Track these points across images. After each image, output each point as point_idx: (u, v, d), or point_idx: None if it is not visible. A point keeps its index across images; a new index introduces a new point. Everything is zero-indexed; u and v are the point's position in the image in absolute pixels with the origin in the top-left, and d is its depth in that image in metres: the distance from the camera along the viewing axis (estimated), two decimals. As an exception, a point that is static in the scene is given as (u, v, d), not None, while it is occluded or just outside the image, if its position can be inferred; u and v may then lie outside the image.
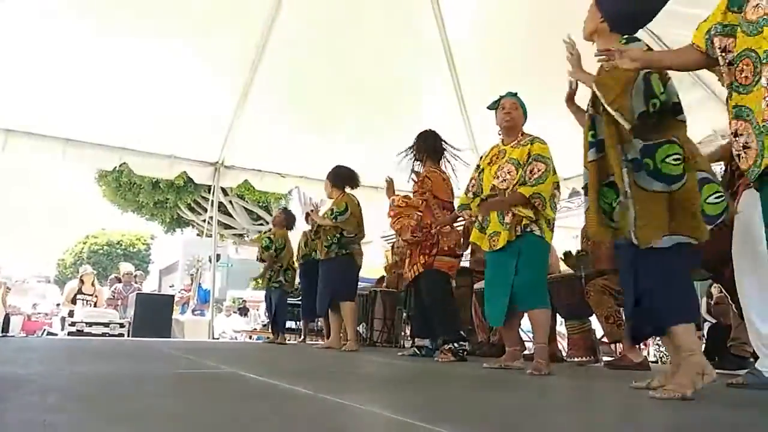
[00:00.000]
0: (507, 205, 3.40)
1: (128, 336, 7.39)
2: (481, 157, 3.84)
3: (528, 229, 3.33)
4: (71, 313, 7.96)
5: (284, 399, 1.99)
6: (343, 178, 5.66)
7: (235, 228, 18.20)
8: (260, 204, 17.49)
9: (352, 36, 6.59)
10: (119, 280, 10.07)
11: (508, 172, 3.45)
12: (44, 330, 8.24)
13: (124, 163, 7.44)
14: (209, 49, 6.48)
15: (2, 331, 7.56)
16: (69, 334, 7.21)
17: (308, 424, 1.55)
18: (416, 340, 4.98)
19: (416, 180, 4.60)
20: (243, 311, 14.87)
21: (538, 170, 3.34)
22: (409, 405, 1.95)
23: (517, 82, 3.98)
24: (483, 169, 3.64)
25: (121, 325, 7.47)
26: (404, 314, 6.90)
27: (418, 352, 4.64)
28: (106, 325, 7.37)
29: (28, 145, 6.83)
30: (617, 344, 4.47)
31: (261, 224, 18.00)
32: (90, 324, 7.26)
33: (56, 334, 7.84)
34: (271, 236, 6.73)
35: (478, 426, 1.60)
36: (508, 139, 3.58)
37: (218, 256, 11.43)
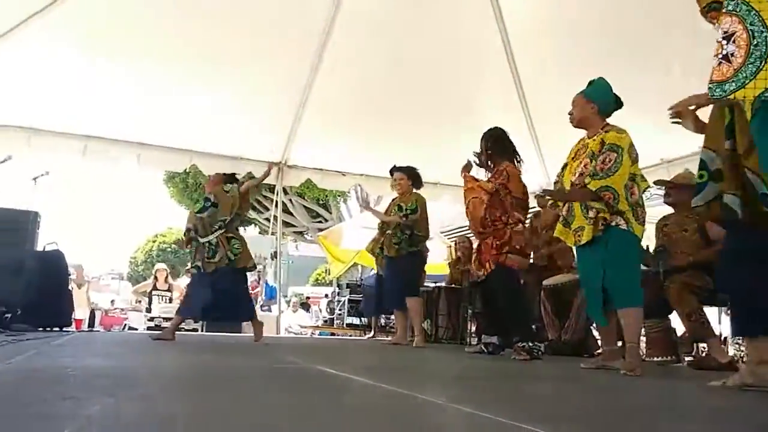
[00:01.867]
0: (570, 198, 3.37)
1: (201, 331, 7.66)
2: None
3: (613, 223, 3.22)
4: (149, 309, 8.30)
5: (372, 395, 2.04)
6: (417, 178, 5.71)
7: (295, 226, 18.53)
8: (319, 202, 17.74)
9: (412, 35, 6.62)
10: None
11: (584, 166, 3.37)
12: (125, 325, 8.65)
13: (194, 164, 7.72)
14: (271, 52, 6.66)
15: (89, 326, 7.98)
16: (148, 328, 7.54)
17: (400, 421, 1.58)
18: (483, 337, 4.95)
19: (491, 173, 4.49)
20: (305, 307, 15.16)
21: (609, 160, 3.21)
22: (500, 404, 1.96)
23: (579, 78, 3.87)
24: (567, 164, 3.58)
25: (195, 320, 7.74)
26: (469, 311, 6.87)
27: (485, 350, 4.59)
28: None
29: (106, 150, 7.17)
30: (700, 344, 4.32)
31: (320, 221, 18.26)
32: (167, 319, 7.56)
33: (137, 329, 8.20)
34: (210, 196, 5.05)
35: (570, 426, 1.59)
36: (590, 132, 3.49)
37: (275, 254, 11.70)
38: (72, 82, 6.46)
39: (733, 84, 2.13)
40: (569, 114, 3.57)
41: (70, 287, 6.92)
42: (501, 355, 4.41)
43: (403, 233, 5.42)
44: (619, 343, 3.67)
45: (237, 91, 6.97)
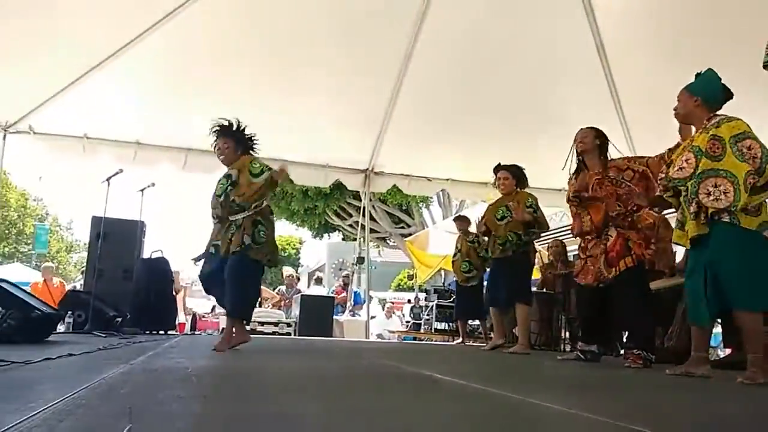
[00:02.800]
0: None
1: (294, 335, 7.87)
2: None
3: (716, 217, 2.99)
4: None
5: (490, 402, 2.02)
6: (523, 177, 5.47)
7: (378, 231, 18.70)
8: (401, 207, 17.84)
9: (498, 38, 6.56)
10: (281, 283, 10.81)
11: (686, 160, 3.18)
12: (224, 328, 8.99)
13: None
14: (358, 61, 6.79)
15: (191, 330, 8.40)
16: (246, 332, 7.83)
17: (526, 427, 1.55)
18: (580, 344, 4.74)
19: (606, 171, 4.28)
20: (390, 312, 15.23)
21: (755, 151, 2.94)
22: (625, 411, 1.89)
23: (675, 75, 3.67)
24: (672, 161, 3.42)
25: (288, 324, 8.00)
26: (562, 316, 6.69)
27: (581, 357, 4.38)
28: (275, 324, 7.94)
29: (204, 163, 7.51)
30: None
31: (402, 227, 18.35)
32: (262, 323, 7.84)
33: (234, 333, 8.54)
34: (232, 173, 4.14)
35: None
36: (697, 127, 3.32)
37: (362, 259, 11.89)
38: (172, 100, 6.85)
39: None
40: (674, 110, 3.41)
41: (173, 292, 7.31)
42: (598, 363, 4.24)
43: (512, 233, 5.18)
44: (728, 351, 3.46)
45: (326, 102, 7.16)
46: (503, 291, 5.28)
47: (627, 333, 4.19)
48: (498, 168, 5.50)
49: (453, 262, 7.22)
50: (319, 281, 11.83)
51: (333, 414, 1.52)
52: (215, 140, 4.33)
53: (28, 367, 2.30)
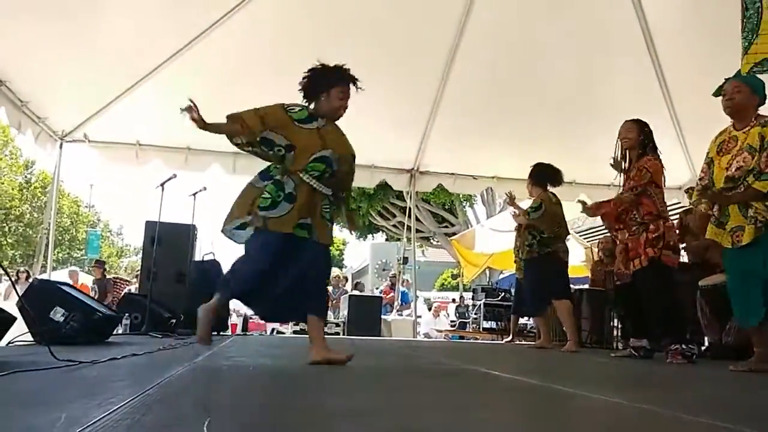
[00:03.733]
0: (737, 201, 3.14)
1: (343, 334, 7.92)
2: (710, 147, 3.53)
3: None
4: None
5: (556, 398, 2.00)
6: (543, 176, 5.49)
7: (422, 231, 18.67)
8: (444, 206, 17.78)
9: (542, 32, 6.47)
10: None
11: (744, 160, 3.14)
12: (273, 329, 9.18)
13: (330, 174, 8.02)
14: (402, 59, 6.78)
15: (243, 330, 8.55)
16: (294, 332, 7.95)
17: (599, 422, 1.54)
18: (632, 341, 4.68)
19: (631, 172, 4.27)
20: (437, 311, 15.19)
21: None
22: (695, 406, 1.85)
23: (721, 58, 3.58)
24: (712, 159, 3.36)
25: (337, 324, 8.06)
26: (614, 314, 6.55)
27: (635, 354, 4.32)
28: (324, 324, 7.99)
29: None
30: None
31: (446, 226, 18.27)
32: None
33: (284, 333, 8.66)
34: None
35: None
36: (739, 124, 3.25)
37: (406, 259, 11.90)
38: (220, 105, 6.95)
39: None
40: (728, 99, 3.31)
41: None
42: (652, 359, 4.17)
43: (534, 235, 5.31)
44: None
45: (370, 102, 7.13)
46: (534, 293, 5.35)
47: (661, 329, 4.14)
48: None
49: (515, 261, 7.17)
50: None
51: (406, 408, 1.53)
52: (344, 85, 2.96)
53: (96, 367, 2.39)
